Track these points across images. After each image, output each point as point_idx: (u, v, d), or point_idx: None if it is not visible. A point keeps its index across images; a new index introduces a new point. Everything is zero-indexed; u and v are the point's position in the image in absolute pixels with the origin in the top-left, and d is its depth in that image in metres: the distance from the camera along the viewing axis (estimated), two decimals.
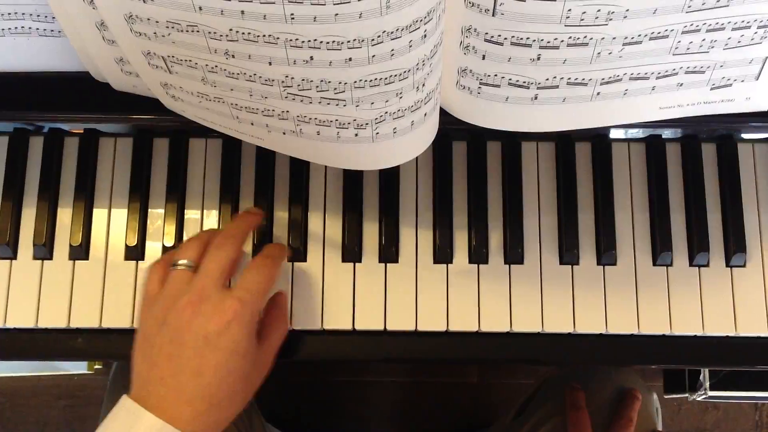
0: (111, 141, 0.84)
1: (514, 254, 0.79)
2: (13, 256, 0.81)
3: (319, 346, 0.80)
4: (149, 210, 0.82)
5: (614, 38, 0.58)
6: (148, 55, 0.60)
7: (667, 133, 0.82)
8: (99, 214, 0.82)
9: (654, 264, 0.79)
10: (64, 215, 0.82)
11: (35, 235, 0.81)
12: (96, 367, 1.76)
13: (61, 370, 1.81)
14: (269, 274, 0.71)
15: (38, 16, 0.65)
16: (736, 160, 0.81)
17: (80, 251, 0.81)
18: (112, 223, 0.82)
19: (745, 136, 0.81)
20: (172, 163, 0.83)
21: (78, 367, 1.79)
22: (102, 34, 0.62)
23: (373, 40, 0.54)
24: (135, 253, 0.81)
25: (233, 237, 0.71)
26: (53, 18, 0.65)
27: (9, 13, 0.65)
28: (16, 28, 0.66)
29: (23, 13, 0.65)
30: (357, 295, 0.80)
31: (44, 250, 0.81)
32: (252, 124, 0.65)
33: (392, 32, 0.54)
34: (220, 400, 0.66)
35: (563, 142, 0.82)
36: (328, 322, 0.79)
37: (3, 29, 0.66)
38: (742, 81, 0.65)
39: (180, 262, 0.70)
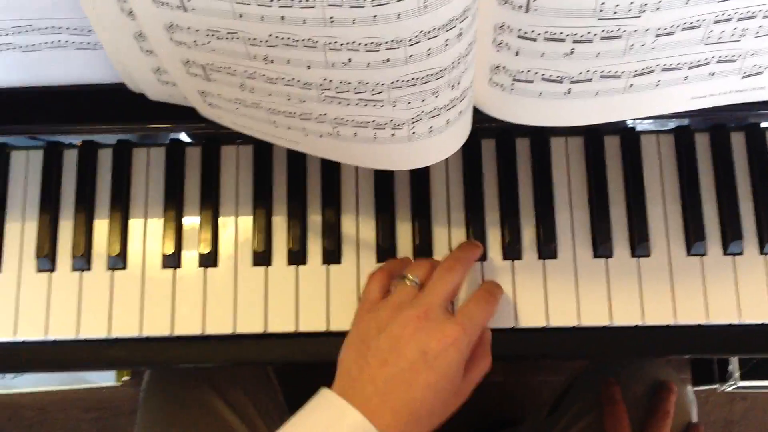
0: (144, 151, 0.85)
1: (547, 249, 0.80)
2: (52, 269, 0.82)
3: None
4: (184, 218, 0.83)
5: (647, 30, 0.59)
6: (187, 64, 0.61)
7: (695, 124, 0.82)
8: (135, 224, 0.83)
9: (688, 254, 0.80)
10: (101, 226, 0.83)
11: (74, 247, 0.82)
12: (124, 378, 1.77)
13: (89, 382, 1.82)
14: (490, 310, 0.74)
15: (75, 29, 0.66)
16: (764, 148, 0.81)
17: (118, 261, 0.82)
18: (148, 233, 0.83)
19: None
20: (205, 171, 0.84)
21: (106, 379, 1.80)
22: (140, 45, 0.63)
23: (410, 40, 0.54)
24: (172, 261, 0.82)
25: (461, 263, 0.74)
26: (89, 31, 0.66)
27: (46, 28, 0.66)
28: (53, 42, 0.67)
29: (60, 27, 0.66)
30: None
31: (83, 261, 0.82)
32: (289, 128, 0.66)
33: (429, 32, 0.54)
34: (421, 416, 0.67)
35: (591, 136, 0.83)
36: None
37: (40, 43, 0.67)
38: None
39: (409, 276, 0.73)
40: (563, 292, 0.79)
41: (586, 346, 0.80)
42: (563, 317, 0.79)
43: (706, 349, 0.80)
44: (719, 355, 0.91)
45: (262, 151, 0.84)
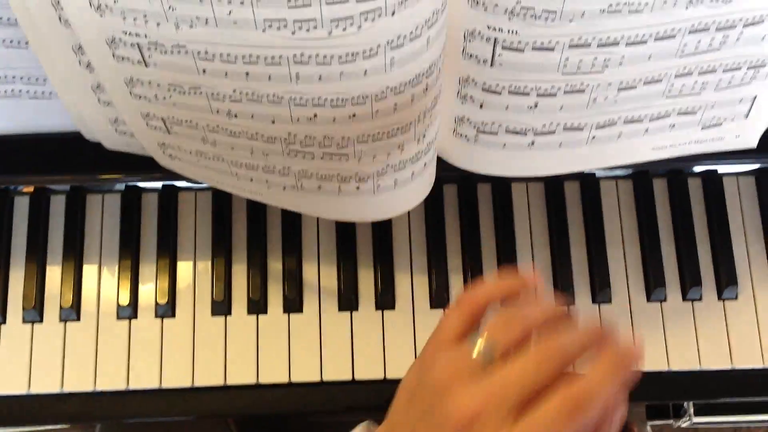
0: (98, 198, 0.83)
1: None
2: (2, 321, 0.80)
3: (319, 397, 0.79)
4: (140, 267, 0.81)
5: (610, 84, 0.59)
6: (147, 117, 0.59)
7: (653, 169, 0.83)
8: (89, 274, 0.81)
9: (648, 300, 0.80)
10: (53, 276, 0.81)
11: (24, 298, 0.79)
12: None
13: (39, 425, 1.76)
14: (581, 425, 0.45)
15: (29, 79, 0.65)
16: (721, 193, 0.82)
17: (71, 312, 0.79)
18: (102, 283, 0.81)
19: (729, 169, 0.83)
20: (162, 218, 0.82)
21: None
22: (97, 96, 0.61)
23: (377, 96, 0.54)
24: (128, 312, 0.80)
25: (565, 355, 0.48)
26: (44, 80, 0.65)
27: None
28: (5, 91, 0.65)
29: (14, 77, 0.64)
30: (355, 345, 0.79)
31: (34, 313, 0.79)
32: (251, 180, 0.65)
33: (396, 87, 0.54)
34: None
35: (552, 182, 0.83)
36: (328, 372, 0.78)
37: None
38: (732, 120, 0.66)
39: (482, 345, 0.49)
40: None
41: None
42: None
43: (670, 394, 0.81)
44: (683, 400, 0.91)
45: (221, 197, 0.82)
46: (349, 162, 0.60)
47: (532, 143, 0.64)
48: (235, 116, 0.56)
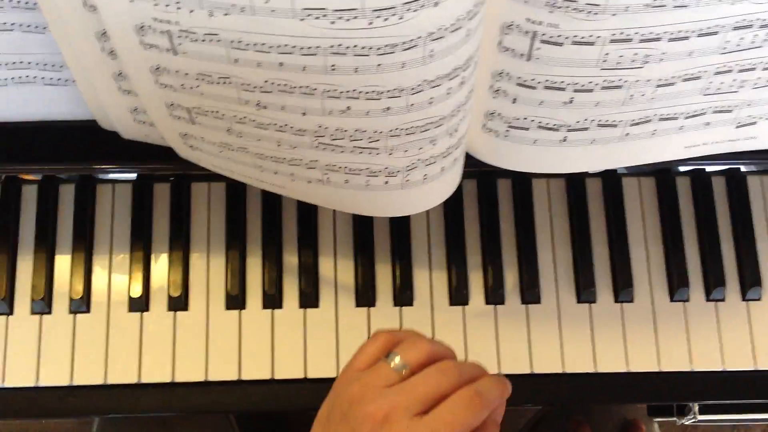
0: (109, 187, 0.81)
1: (531, 294, 0.78)
2: (10, 312, 0.77)
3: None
4: (152, 259, 0.79)
5: (648, 80, 0.58)
6: (171, 107, 0.57)
7: (676, 167, 0.81)
8: (99, 265, 0.79)
9: (671, 300, 0.79)
10: (63, 267, 0.79)
11: (33, 289, 0.77)
12: None
13: (47, 419, 1.74)
14: (478, 416, 0.54)
15: (45, 65, 0.62)
16: (745, 192, 0.81)
17: (81, 304, 0.77)
18: (113, 274, 0.79)
19: (754, 168, 0.82)
20: (175, 209, 0.80)
21: None
22: (118, 84, 0.59)
23: (413, 89, 0.52)
24: (139, 304, 0.78)
25: (486, 402, 0.55)
26: (60, 67, 0.63)
27: (14, 62, 0.62)
28: (20, 77, 0.63)
29: (29, 62, 0.62)
30: None
31: (42, 304, 0.77)
32: (275, 173, 0.63)
33: (433, 81, 0.52)
34: None
35: (573, 178, 0.81)
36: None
37: (6, 79, 0.63)
38: (767, 118, 0.65)
39: (396, 359, 0.57)
40: (546, 339, 0.78)
41: (569, 393, 0.78)
42: (547, 364, 0.77)
43: (690, 395, 0.80)
44: (703, 400, 0.91)
45: (236, 189, 0.80)
46: (379, 156, 0.58)
47: (564, 139, 0.63)
48: (265, 107, 0.54)
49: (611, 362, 0.77)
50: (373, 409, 0.54)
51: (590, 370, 0.77)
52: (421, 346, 0.57)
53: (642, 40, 0.54)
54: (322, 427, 0.58)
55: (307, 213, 0.80)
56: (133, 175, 0.81)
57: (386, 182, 0.61)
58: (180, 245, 0.79)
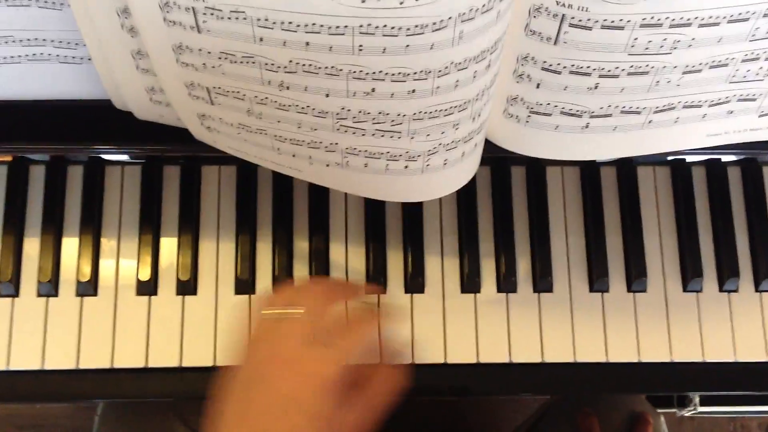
0: (118, 169, 0.79)
1: (543, 283, 0.77)
2: (16, 294, 0.76)
3: None
4: (161, 242, 0.78)
5: (675, 67, 0.57)
6: (191, 86, 0.56)
7: (691, 158, 0.81)
8: (107, 248, 0.78)
9: (684, 290, 0.78)
10: (70, 249, 0.77)
11: (39, 271, 0.76)
12: None
13: (52, 402, 1.73)
14: (363, 338, 0.64)
15: (60, 42, 0.61)
16: (761, 183, 0.80)
17: (88, 287, 0.76)
18: (121, 257, 0.78)
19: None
20: (184, 193, 0.79)
21: None
22: (136, 63, 0.58)
23: (440, 71, 0.51)
24: (148, 288, 0.77)
25: (336, 291, 0.66)
26: (76, 44, 0.61)
27: (29, 39, 0.60)
28: (35, 54, 0.62)
29: (45, 39, 0.61)
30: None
31: (49, 286, 0.76)
32: (293, 156, 0.62)
33: (460, 63, 0.51)
34: None
35: (588, 166, 0.80)
36: None
37: (20, 56, 0.62)
38: None
39: (287, 311, 0.62)
40: (558, 328, 0.77)
41: (580, 382, 0.78)
42: (559, 353, 0.76)
43: (703, 385, 0.79)
44: (713, 391, 0.90)
45: (247, 172, 0.79)
46: (401, 140, 0.57)
47: (587, 126, 0.62)
48: (287, 88, 0.53)
49: (623, 352, 0.77)
50: (285, 352, 0.60)
51: (602, 359, 0.77)
52: (290, 291, 0.64)
53: (672, 26, 0.53)
54: (238, 400, 0.61)
55: (319, 198, 0.79)
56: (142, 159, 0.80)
57: (406, 166, 0.60)
58: (189, 229, 0.78)
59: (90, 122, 0.70)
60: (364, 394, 0.64)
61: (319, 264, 0.77)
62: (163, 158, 0.79)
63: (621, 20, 0.52)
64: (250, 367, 0.62)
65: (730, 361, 0.77)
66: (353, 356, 0.62)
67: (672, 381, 0.78)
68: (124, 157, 0.79)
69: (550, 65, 0.57)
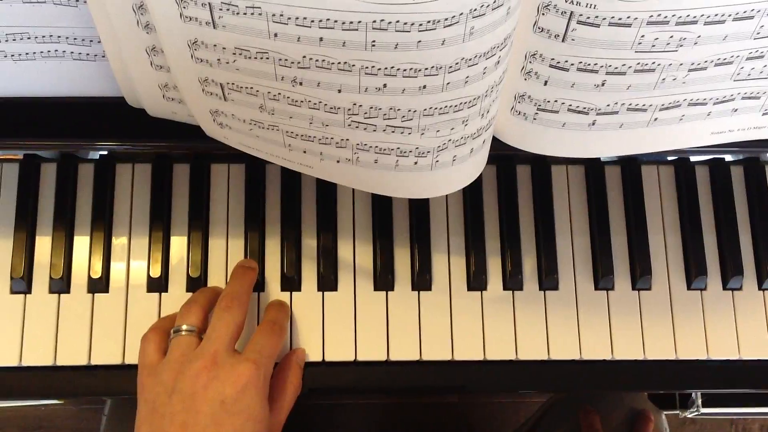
0: (128, 167, 0.80)
1: (549, 280, 0.78)
2: (28, 291, 0.77)
3: (352, 376, 0.77)
4: (172, 240, 0.79)
5: (681, 64, 0.58)
6: (205, 82, 0.57)
7: (695, 156, 0.82)
8: (118, 245, 0.79)
9: (688, 288, 0.79)
10: (82, 246, 0.78)
11: (51, 268, 0.77)
12: None
13: (64, 398, 1.73)
14: (280, 338, 0.72)
15: (75, 39, 0.62)
16: (764, 181, 0.81)
17: (100, 284, 0.77)
18: (132, 255, 0.78)
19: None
20: (194, 190, 0.80)
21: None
22: (150, 59, 0.59)
23: (450, 67, 0.52)
24: (158, 285, 0.77)
25: (238, 298, 0.70)
26: (90, 41, 0.62)
27: (44, 36, 0.61)
28: (49, 51, 0.63)
29: (59, 36, 0.62)
30: (390, 325, 0.78)
31: (61, 283, 0.77)
32: (304, 152, 0.63)
33: (471, 59, 0.52)
34: None
35: (593, 165, 0.81)
36: (362, 353, 0.77)
37: (35, 53, 0.63)
38: None
39: (183, 327, 0.69)
40: (564, 325, 0.78)
41: (585, 379, 0.79)
42: (564, 351, 0.77)
43: (706, 383, 0.80)
44: (716, 389, 0.91)
45: (255, 170, 0.80)
46: (411, 135, 0.58)
47: (593, 123, 0.63)
48: (300, 84, 0.54)
49: (628, 349, 0.77)
50: (201, 362, 0.65)
51: (607, 357, 0.77)
52: (189, 308, 0.71)
53: (679, 23, 0.54)
54: (149, 422, 0.65)
55: (326, 196, 0.80)
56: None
57: (416, 162, 0.61)
58: (199, 226, 0.79)
59: (101, 120, 0.71)
60: (279, 396, 0.71)
61: (327, 261, 0.78)
62: (173, 156, 0.80)
63: (628, 17, 0.53)
64: (160, 388, 0.66)
65: (734, 358, 0.78)
66: (271, 358, 0.70)
67: (676, 379, 0.79)
68: (135, 155, 0.80)
69: (558, 62, 0.58)
